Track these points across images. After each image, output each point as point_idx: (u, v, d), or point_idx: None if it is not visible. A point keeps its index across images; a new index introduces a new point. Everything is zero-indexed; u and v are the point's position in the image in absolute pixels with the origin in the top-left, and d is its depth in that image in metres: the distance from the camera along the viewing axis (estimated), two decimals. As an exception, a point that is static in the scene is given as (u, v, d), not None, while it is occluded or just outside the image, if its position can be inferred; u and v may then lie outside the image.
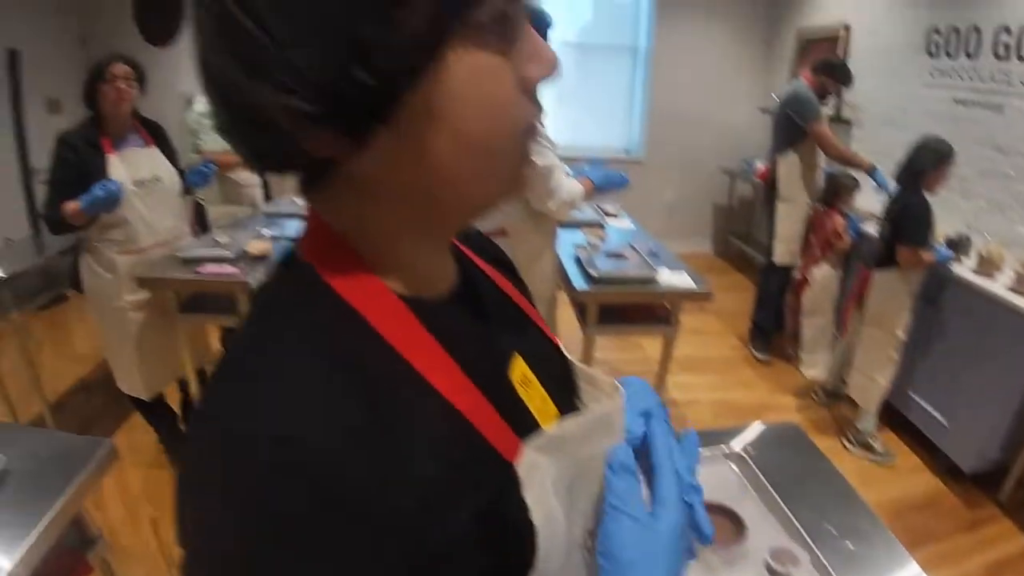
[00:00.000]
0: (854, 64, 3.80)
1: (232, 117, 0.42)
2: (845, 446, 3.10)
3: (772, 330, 4.12)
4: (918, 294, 2.93)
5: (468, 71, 0.40)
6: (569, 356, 0.65)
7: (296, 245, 0.50)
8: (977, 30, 3.39)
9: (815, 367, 3.73)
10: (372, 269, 0.47)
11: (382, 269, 0.47)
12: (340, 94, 0.38)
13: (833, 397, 3.50)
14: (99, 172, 2.35)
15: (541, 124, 0.46)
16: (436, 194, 0.45)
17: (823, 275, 3.63)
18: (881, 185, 3.54)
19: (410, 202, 0.46)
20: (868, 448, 3.07)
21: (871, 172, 3.57)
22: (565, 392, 0.61)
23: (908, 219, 2.82)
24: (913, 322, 2.98)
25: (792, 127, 3.63)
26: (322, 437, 0.37)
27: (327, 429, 0.38)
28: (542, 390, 0.56)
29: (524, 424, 0.50)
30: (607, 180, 2.52)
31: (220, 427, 0.39)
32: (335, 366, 0.41)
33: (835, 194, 3.59)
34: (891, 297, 2.93)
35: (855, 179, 3.59)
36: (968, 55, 3.47)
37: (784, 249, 3.87)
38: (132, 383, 2.70)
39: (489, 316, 0.57)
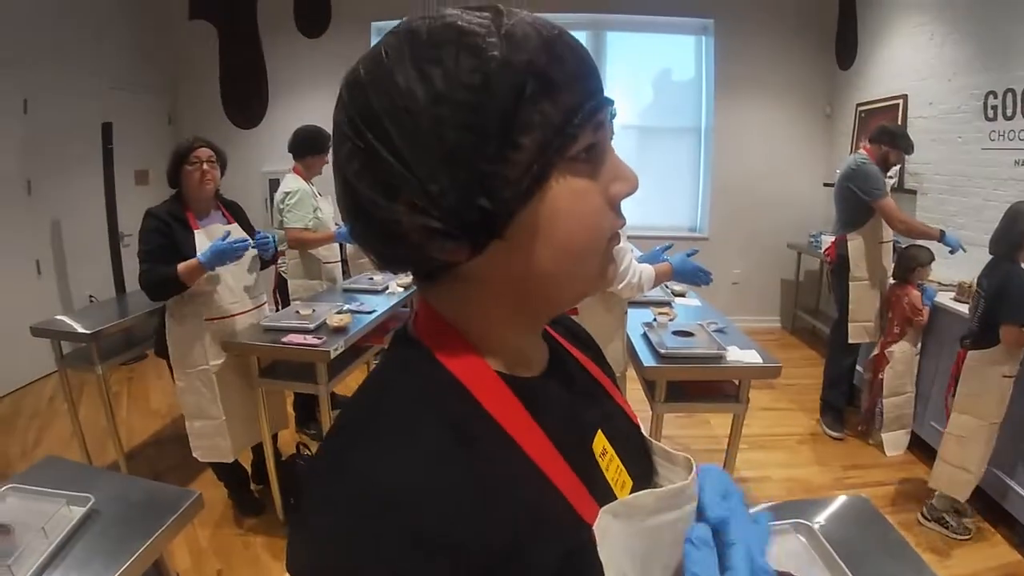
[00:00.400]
0: (913, 133, 3.79)
1: (368, 229, 0.51)
2: (920, 521, 2.94)
3: (844, 407, 4.01)
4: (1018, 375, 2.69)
5: (566, 194, 0.49)
6: (645, 434, 0.71)
7: (409, 325, 0.60)
8: (1033, 90, 3.38)
9: (897, 446, 3.64)
10: (476, 349, 0.55)
11: (484, 350, 0.55)
12: (466, 216, 0.47)
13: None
14: (186, 245, 2.53)
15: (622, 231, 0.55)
16: (534, 291, 0.54)
17: (903, 352, 3.55)
18: (953, 247, 3.48)
19: (511, 296, 0.54)
20: (943, 523, 2.89)
21: (941, 238, 3.50)
22: (640, 466, 0.66)
23: (1011, 295, 2.62)
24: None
25: (857, 203, 3.59)
26: (444, 496, 0.45)
27: (447, 488, 0.45)
28: (619, 462, 0.62)
29: (601, 492, 0.56)
30: (687, 272, 2.52)
31: (361, 482, 0.46)
32: (451, 431, 0.49)
33: (910, 269, 3.53)
34: (989, 381, 2.71)
35: (930, 252, 3.52)
36: (1026, 116, 3.45)
37: (859, 329, 3.78)
38: (215, 448, 2.80)
39: (575, 392, 0.63)
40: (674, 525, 0.58)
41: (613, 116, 0.57)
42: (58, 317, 3.26)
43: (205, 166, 2.57)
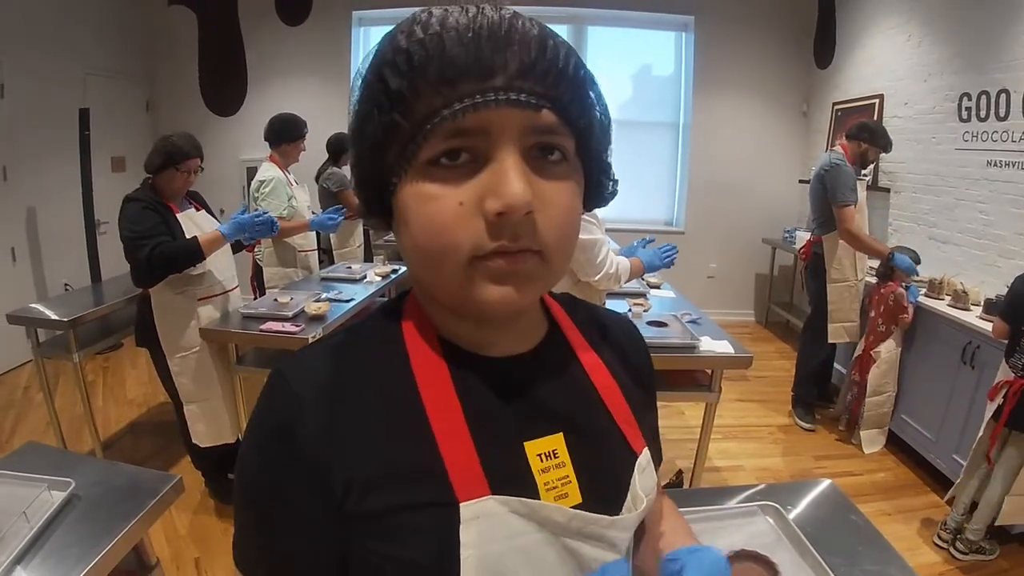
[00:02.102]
0: (889, 133, 3.83)
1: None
2: (955, 556, 2.73)
3: (814, 400, 4.07)
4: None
5: (414, 196, 0.52)
6: (638, 474, 0.64)
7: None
8: (1006, 92, 3.46)
9: (875, 444, 3.69)
10: (431, 318, 0.60)
11: (438, 321, 0.60)
12: (365, 194, 0.57)
13: (957, 535, 2.78)
14: (175, 228, 2.56)
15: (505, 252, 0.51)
16: (420, 284, 0.60)
17: (888, 352, 3.56)
18: (906, 271, 3.47)
19: (416, 282, 0.60)
20: (981, 551, 2.71)
21: (890, 260, 3.49)
22: (606, 493, 0.61)
23: None
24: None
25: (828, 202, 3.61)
26: (313, 400, 0.55)
27: (321, 396, 0.55)
28: (570, 473, 0.59)
29: (514, 485, 0.54)
30: (655, 264, 2.61)
31: (275, 369, 0.58)
32: (362, 365, 0.58)
33: (889, 268, 3.54)
34: None
35: (915, 252, 3.52)
36: (999, 117, 3.53)
37: (839, 329, 3.80)
38: (218, 429, 2.85)
39: (540, 387, 0.61)
40: (583, 560, 0.57)
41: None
42: (34, 305, 3.22)
43: (191, 176, 2.61)
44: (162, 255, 2.44)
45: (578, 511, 0.56)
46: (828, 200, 3.60)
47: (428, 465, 0.53)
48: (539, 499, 0.55)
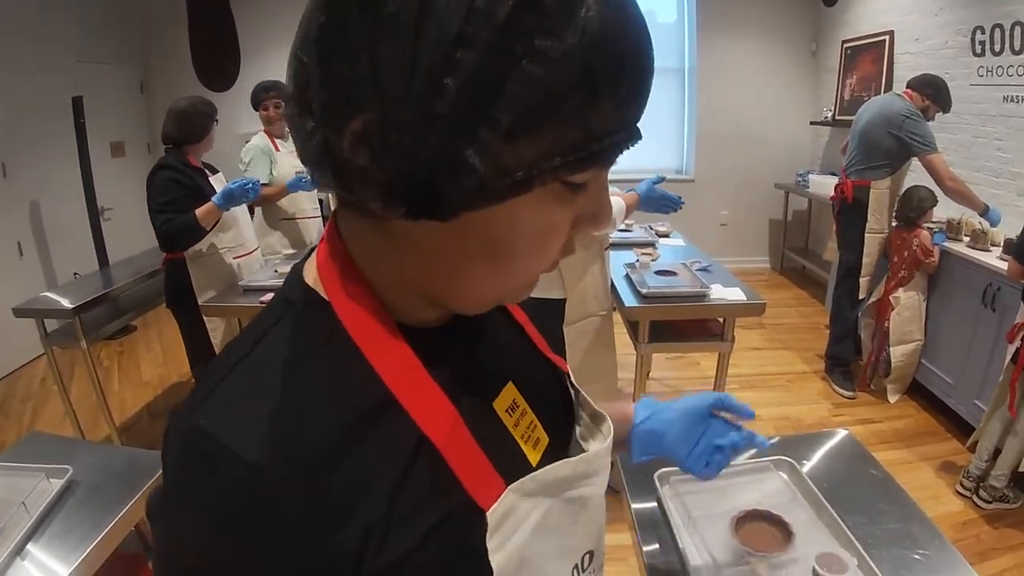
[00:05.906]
0: (900, 70, 3.67)
1: (300, 134, 0.41)
2: (977, 504, 2.68)
3: (852, 360, 3.84)
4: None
5: (535, 215, 0.42)
6: (579, 389, 0.66)
7: (309, 260, 0.51)
8: (1021, 25, 3.31)
9: (900, 392, 3.61)
10: (377, 297, 0.48)
11: (384, 298, 0.48)
12: (416, 186, 0.38)
13: (980, 483, 2.72)
14: (208, 189, 2.74)
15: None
16: (452, 282, 0.47)
17: (910, 298, 3.41)
18: (994, 224, 3.28)
19: (427, 278, 0.47)
20: (1004, 499, 2.65)
21: (984, 212, 3.29)
22: (560, 419, 0.63)
23: None
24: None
25: (897, 151, 3.35)
26: (279, 465, 0.39)
27: (287, 457, 0.40)
28: (533, 417, 0.58)
29: (506, 453, 0.52)
30: (654, 200, 2.40)
31: (189, 432, 0.42)
32: (315, 391, 0.43)
33: (922, 211, 3.34)
34: None
35: (934, 193, 3.35)
36: (1014, 51, 3.39)
37: (866, 283, 3.60)
38: None
39: (484, 342, 0.58)
40: (588, 500, 0.57)
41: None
42: (40, 295, 3.20)
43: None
44: (167, 232, 2.61)
45: (582, 457, 0.55)
46: (895, 147, 3.35)
47: (439, 481, 0.45)
48: (527, 458, 0.54)
